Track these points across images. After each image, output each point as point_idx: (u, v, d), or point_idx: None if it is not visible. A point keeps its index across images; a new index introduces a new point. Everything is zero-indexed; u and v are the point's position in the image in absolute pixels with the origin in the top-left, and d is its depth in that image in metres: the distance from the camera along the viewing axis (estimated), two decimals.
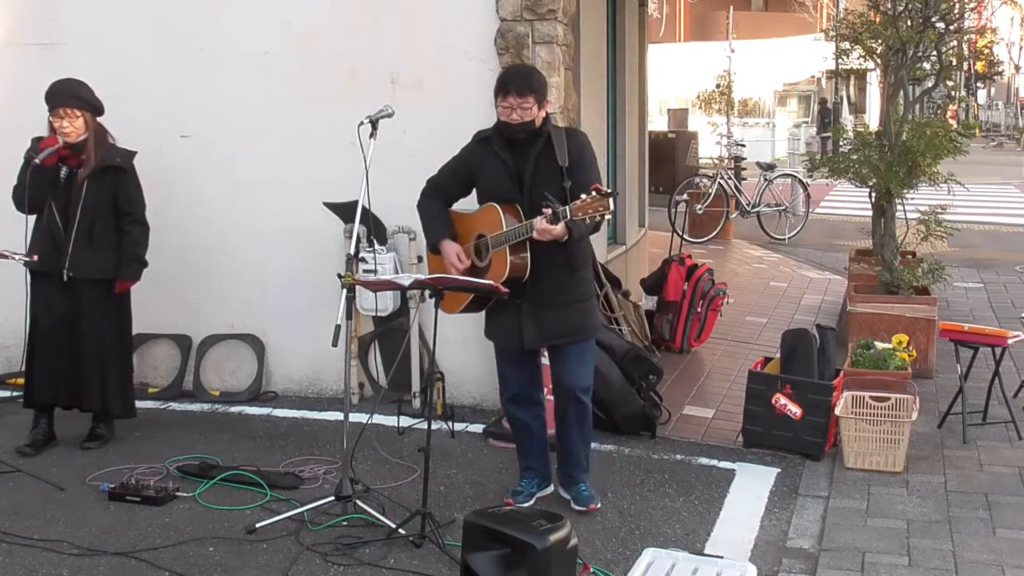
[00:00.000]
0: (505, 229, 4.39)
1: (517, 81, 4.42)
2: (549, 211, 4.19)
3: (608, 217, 4.25)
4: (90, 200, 5.38)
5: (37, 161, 5.26)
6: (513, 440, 4.96)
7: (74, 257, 5.35)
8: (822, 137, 16.75)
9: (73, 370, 5.46)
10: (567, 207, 4.16)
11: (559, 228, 4.20)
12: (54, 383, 5.48)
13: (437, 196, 4.71)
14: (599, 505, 4.71)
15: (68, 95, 5.37)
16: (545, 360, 4.98)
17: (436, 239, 4.64)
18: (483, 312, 4.70)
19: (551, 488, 4.86)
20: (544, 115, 4.50)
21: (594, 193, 4.12)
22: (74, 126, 5.34)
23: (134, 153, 5.58)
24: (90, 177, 5.38)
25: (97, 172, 5.40)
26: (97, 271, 5.41)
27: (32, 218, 5.46)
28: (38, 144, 5.37)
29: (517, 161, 4.47)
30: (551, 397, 4.87)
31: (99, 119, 5.49)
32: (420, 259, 6.04)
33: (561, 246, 4.33)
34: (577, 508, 4.68)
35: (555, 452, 4.86)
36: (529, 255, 4.41)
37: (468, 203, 4.77)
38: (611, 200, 4.12)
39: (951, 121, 15.57)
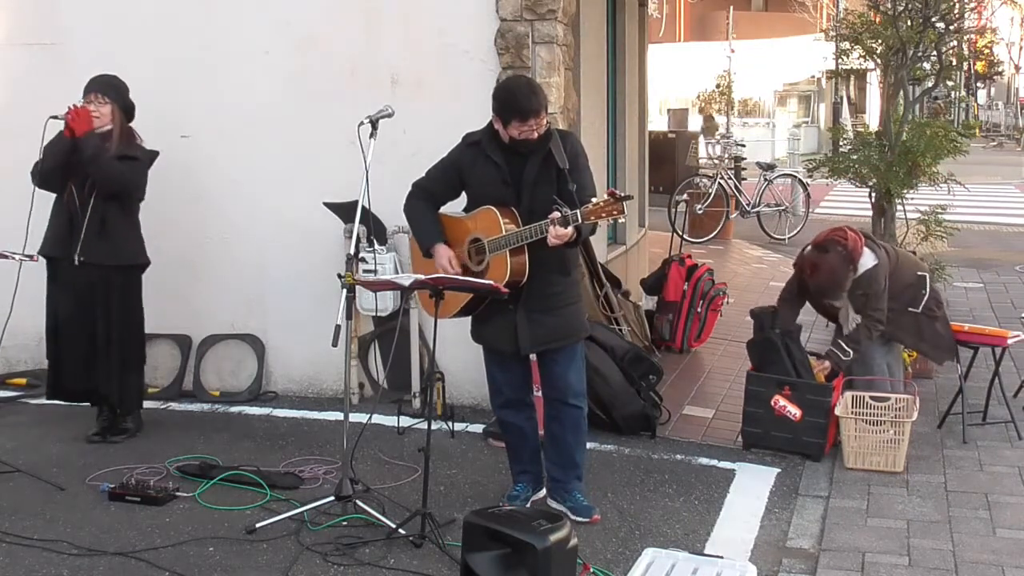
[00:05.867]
0: (504, 233, 4.32)
1: (535, 103, 4.27)
2: (558, 215, 4.10)
3: (623, 220, 4.22)
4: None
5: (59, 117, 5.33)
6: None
7: (85, 243, 5.41)
8: (706, 142, 16.42)
9: (91, 358, 5.52)
10: (577, 211, 4.09)
11: (570, 230, 4.14)
12: (79, 371, 5.54)
13: (425, 199, 4.61)
14: (599, 516, 4.60)
15: (103, 82, 5.53)
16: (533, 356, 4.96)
17: (428, 242, 4.53)
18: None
19: (544, 491, 4.81)
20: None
21: (608, 197, 4.07)
22: (100, 111, 5.45)
23: (155, 153, 5.63)
24: None
25: (115, 160, 5.45)
26: (106, 257, 5.47)
27: (32, 213, 5.42)
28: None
29: (511, 165, 4.40)
30: (539, 394, 4.82)
31: (131, 124, 5.60)
32: None
33: (557, 251, 4.29)
34: (579, 519, 4.51)
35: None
36: (527, 258, 4.37)
37: (453, 207, 4.71)
38: (624, 204, 4.07)
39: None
